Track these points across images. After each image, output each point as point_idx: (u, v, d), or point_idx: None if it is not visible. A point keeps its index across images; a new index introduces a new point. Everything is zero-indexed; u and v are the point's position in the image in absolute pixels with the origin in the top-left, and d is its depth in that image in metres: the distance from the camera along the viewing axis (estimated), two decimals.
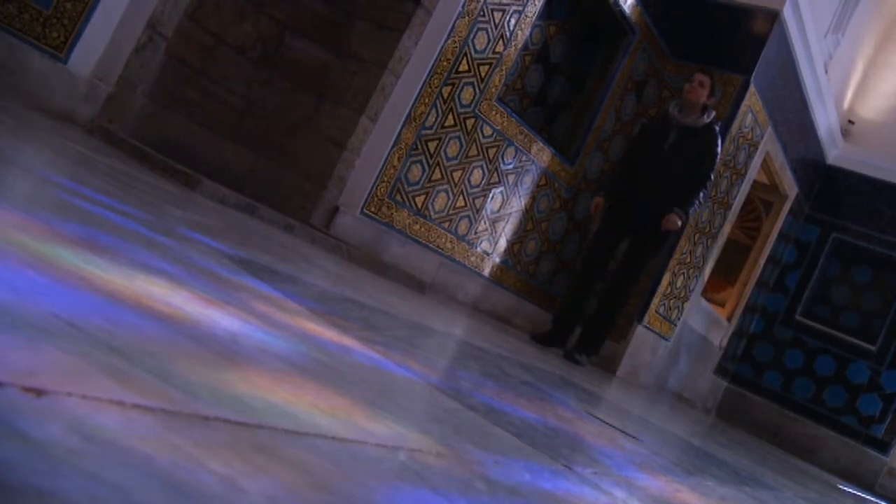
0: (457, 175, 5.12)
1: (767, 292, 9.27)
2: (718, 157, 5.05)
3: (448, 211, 5.19)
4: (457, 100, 4.83)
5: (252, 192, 4.31)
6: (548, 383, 2.88)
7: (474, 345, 3.04)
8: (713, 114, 5.04)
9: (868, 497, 6.98)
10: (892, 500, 7.71)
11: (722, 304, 8.82)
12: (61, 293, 0.90)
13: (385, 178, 4.63)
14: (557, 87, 6.25)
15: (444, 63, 4.62)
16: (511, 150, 5.46)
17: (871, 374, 8.61)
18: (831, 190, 9.17)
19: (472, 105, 4.97)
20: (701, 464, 2.69)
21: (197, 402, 0.76)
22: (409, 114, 4.57)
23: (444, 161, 4.97)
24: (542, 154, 5.79)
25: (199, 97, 4.58)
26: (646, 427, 3.13)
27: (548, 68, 6.11)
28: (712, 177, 5.00)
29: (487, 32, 4.81)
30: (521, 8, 4.98)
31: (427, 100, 4.63)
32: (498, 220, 5.68)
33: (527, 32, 5.16)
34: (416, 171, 4.81)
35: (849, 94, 8.96)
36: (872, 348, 8.68)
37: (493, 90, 5.07)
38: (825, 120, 8.32)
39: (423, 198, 4.95)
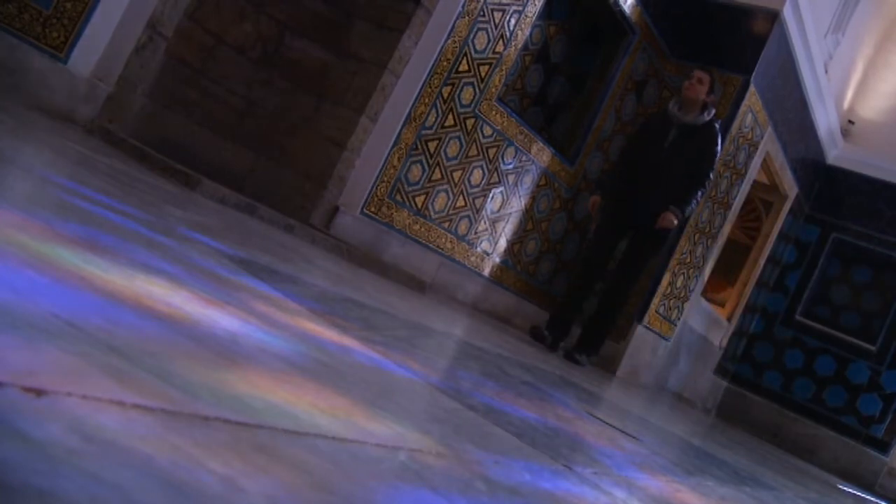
0: (457, 175, 5.12)
1: (767, 292, 9.28)
2: (718, 155, 5.02)
3: (448, 211, 5.19)
4: (457, 100, 4.83)
5: (252, 192, 4.31)
6: (548, 383, 2.88)
7: (474, 345, 3.04)
8: (713, 111, 5.01)
9: (868, 497, 6.98)
10: (892, 500, 7.71)
11: (722, 304, 8.82)
12: (61, 293, 0.90)
13: (385, 178, 4.63)
14: (557, 87, 6.25)
15: (444, 63, 4.62)
16: (511, 150, 5.46)
17: (871, 374, 8.61)
18: (831, 190, 9.17)
19: (472, 105, 4.97)
20: (701, 464, 2.69)
21: (197, 402, 0.76)
22: (409, 114, 4.57)
23: (444, 161, 4.97)
24: (542, 154, 5.79)
25: (199, 97, 4.58)
26: (646, 427, 3.13)
27: (548, 68, 6.11)
28: (711, 176, 4.97)
29: (487, 32, 4.81)
30: (521, 8, 4.98)
31: (427, 100, 4.63)
32: (498, 220, 5.68)
33: (527, 32, 5.16)
34: (416, 171, 4.81)
35: (849, 94, 8.96)
36: (872, 348, 8.68)
37: (493, 90, 5.07)
38: (825, 120, 8.32)
39: (423, 198, 4.95)
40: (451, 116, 4.85)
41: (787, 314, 9.20)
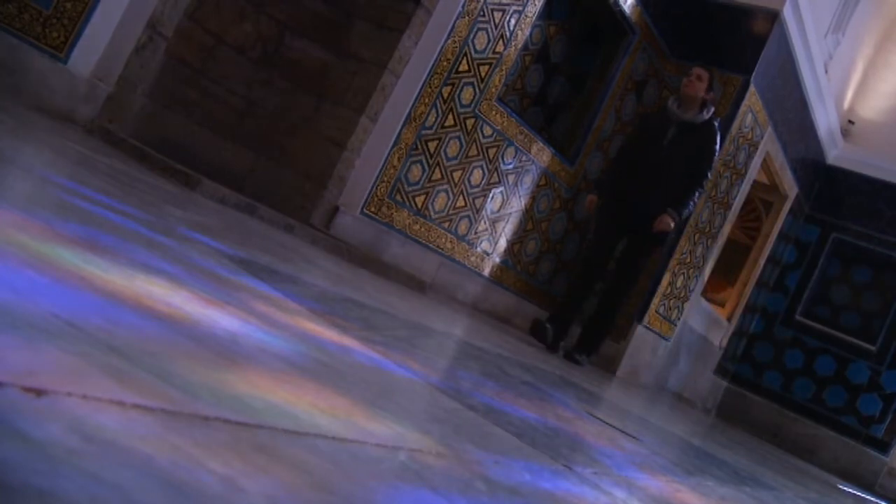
0: (457, 175, 5.12)
1: (767, 292, 9.27)
2: (717, 154, 4.97)
3: (448, 211, 5.19)
4: (457, 100, 4.83)
5: (252, 192, 4.31)
6: (548, 383, 2.88)
7: (474, 345, 3.04)
8: (712, 110, 4.96)
9: (868, 497, 6.98)
10: (892, 500, 7.71)
11: (722, 304, 8.82)
12: (61, 293, 0.90)
13: (385, 178, 4.63)
14: (557, 87, 6.25)
15: (444, 63, 4.62)
16: (511, 150, 5.46)
17: (871, 374, 8.61)
18: (831, 190, 9.17)
19: (472, 105, 4.97)
20: (701, 464, 2.69)
21: (197, 402, 0.76)
22: (409, 114, 4.57)
23: (444, 161, 4.97)
24: (542, 154, 5.79)
25: (199, 97, 4.58)
26: (646, 427, 3.13)
27: (548, 68, 6.11)
28: (710, 175, 4.94)
29: (487, 32, 4.81)
30: (521, 8, 4.98)
31: (427, 100, 4.63)
32: (498, 220, 5.68)
33: (527, 32, 5.16)
34: (416, 171, 4.81)
35: (849, 94, 8.96)
36: (872, 348, 8.68)
37: (493, 90, 5.07)
38: (825, 120, 8.32)
39: (423, 198, 4.95)
40: (451, 116, 4.85)
41: (787, 314, 9.20)
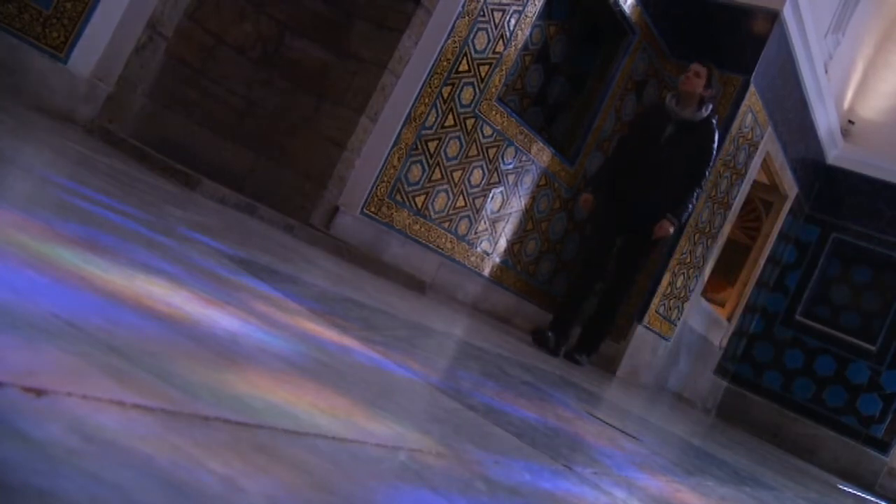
0: (457, 175, 5.12)
1: (767, 292, 9.27)
2: (715, 153, 4.90)
3: (448, 211, 5.19)
4: (457, 100, 4.83)
5: (252, 192, 4.31)
6: (548, 383, 2.88)
7: (474, 345, 3.04)
8: (711, 107, 4.88)
9: (868, 497, 6.98)
10: (892, 500, 7.71)
11: (722, 304, 8.82)
12: (61, 293, 0.90)
13: (385, 178, 4.63)
14: (557, 87, 6.25)
15: (444, 63, 4.62)
16: (511, 150, 5.46)
17: (871, 374, 8.61)
18: (831, 190, 9.17)
19: (472, 105, 4.97)
20: (701, 464, 2.69)
21: (197, 402, 0.76)
22: (409, 114, 4.57)
23: (444, 161, 4.97)
24: (542, 154, 5.78)
25: (199, 97, 4.58)
26: (646, 427, 3.13)
27: (548, 68, 6.11)
28: (708, 174, 4.88)
29: (487, 32, 4.81)
30: (521, 8, 4.98)
31: (427, 100, 4.63)
32: (498, 220, 5.68)
33: (527, 32, 5.16)
34: (416, 171, 4.81)
35: (849, 94, 8.96)
36: (872, 348, 8.68)
37: (493, 90, 5.07)
38: (825, 120, 8.32)
39: (423, 198, 4.95)
40: (451, 116, 4.85)
41: (787, 314, 9.20)
